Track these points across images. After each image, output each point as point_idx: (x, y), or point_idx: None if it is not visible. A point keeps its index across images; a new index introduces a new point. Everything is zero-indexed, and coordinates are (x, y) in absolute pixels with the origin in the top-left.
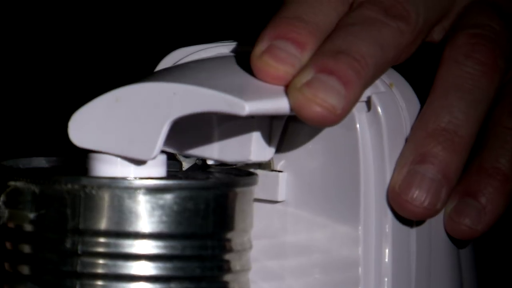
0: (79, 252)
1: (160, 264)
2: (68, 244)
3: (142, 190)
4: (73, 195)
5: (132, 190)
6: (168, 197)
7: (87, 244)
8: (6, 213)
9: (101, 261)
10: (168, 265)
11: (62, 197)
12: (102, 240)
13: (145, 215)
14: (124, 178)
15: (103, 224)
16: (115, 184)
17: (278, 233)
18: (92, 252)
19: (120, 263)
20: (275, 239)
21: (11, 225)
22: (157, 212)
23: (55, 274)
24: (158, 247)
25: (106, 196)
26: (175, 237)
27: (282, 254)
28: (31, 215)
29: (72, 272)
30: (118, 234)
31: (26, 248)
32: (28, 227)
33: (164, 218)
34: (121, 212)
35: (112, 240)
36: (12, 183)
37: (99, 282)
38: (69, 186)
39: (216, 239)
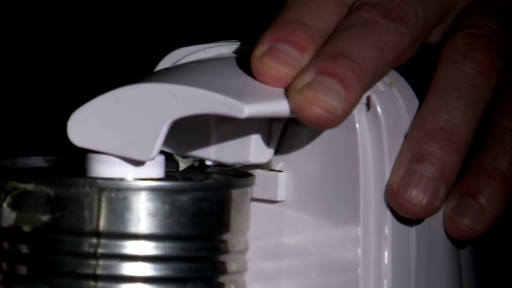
0: (97, 254)
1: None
2: (86, 247)
3: (160, 192)
4: (91, 198)
5: (149, 192)
6: (184, 198)
7: (106, 247)
8: (13, 215)
9: (119, 263)
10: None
11: (80, 199)
12: (120, 242)
13: (163, 217)
14: (143, 180)
15: (122, 226)
16: (135, 187)
17: (275, 234)
18: (111, 255)
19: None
20: (271, 240)
21: (19, 227)
22: (176, 214)
23: (72, 277)
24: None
25: (125, 198)
26: (183, 238)
27: (278, 255)
28: (45, 218)
29: (91, 274)
30: (137, 236)
31: (38, 251)
32: (41, 230)
33: (182, 220)
34: (139, 214)
35: (129, 242)
36: (22, 185)
37: (117, 284)
38: (87, 188)
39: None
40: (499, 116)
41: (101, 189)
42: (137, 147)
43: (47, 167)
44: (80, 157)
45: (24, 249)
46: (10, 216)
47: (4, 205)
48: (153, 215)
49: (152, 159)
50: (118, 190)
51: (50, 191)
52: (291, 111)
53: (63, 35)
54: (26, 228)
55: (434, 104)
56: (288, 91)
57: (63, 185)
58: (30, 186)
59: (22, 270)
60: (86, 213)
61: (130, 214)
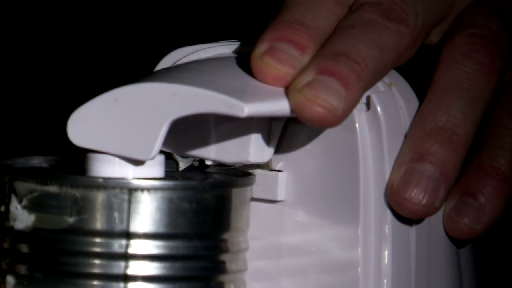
0: (127, 255)
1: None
2: (115, 248)
3: (189, 192)
4: (120, 199)
5: (179, 191)
6: (208, 196)
7: (136, 247)
8: (32, 217)
9: (149, 264)
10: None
11: (108, 200)
12: (151, 242)
13: (190, 215)
14: (168, 180)
15: (152, 227)
16: (165, 187)
17: (275, 234)
18: (141, 255)
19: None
20: (271, 240)
21: (41, 229)
22: (202, 212)
23: (101, 278)
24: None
25: (156, 199)
26: (206, 237)
27: (278, 255)
28: (71, 220)
29: (121, 275)
30: (170, 236)
31: (64, 253)
32: (66, 232)
33: (208, 218)
34: (169, 214)
35: (160, 242)
36: (43, 187)
37: (147, 285)
38: (117, 189)
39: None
40: (499, 116)
41: (131, 190)
42: (137, 146)
43: (51, 167)
44: (80, 157)
45: (45, 251)
46: (28, 219)
47: (19, 207)
48: (182, 214)
49: (152, 158)
50: (149, 190)
51: (76, 192)
52: (291, 110)
53: (63, 35)
54: (49, 230)
55: (434, 104)
56: (288, 91)
57: (91, 186)
58: (53, 188)
59: (43, 272)
60: (115, 214)
61: (160, 214)
